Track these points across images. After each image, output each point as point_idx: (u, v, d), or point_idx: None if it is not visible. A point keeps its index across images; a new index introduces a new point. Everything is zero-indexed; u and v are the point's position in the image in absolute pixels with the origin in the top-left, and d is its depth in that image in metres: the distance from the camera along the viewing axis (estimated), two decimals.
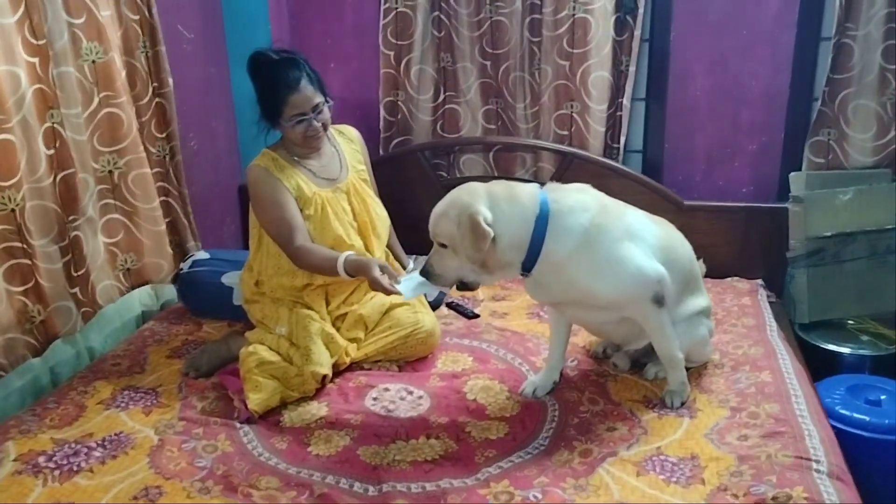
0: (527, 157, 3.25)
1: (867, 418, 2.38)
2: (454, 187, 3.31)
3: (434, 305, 2.75)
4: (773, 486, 1.75)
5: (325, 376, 2.28)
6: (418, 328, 2.44)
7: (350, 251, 2.30)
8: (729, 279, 2.95)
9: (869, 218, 2.82)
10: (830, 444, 1.91)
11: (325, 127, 2.41)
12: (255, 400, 2.15)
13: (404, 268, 2.80)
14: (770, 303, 2.83)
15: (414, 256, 3.00)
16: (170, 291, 3.02)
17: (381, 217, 2.61)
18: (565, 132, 3.14)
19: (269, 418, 2.17)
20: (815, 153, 2.91)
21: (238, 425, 2.12)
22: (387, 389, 2.28)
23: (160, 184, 2.81)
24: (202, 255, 2.87)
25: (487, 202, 2.01)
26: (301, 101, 2.32)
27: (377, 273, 2.17)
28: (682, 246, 2.26)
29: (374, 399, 2.24)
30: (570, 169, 3.09)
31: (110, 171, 2.56)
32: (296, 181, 2.41)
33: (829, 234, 2.83)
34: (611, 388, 2.26)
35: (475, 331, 2.68)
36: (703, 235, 3.00)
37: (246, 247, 3.38)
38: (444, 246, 2.05)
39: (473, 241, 1.96)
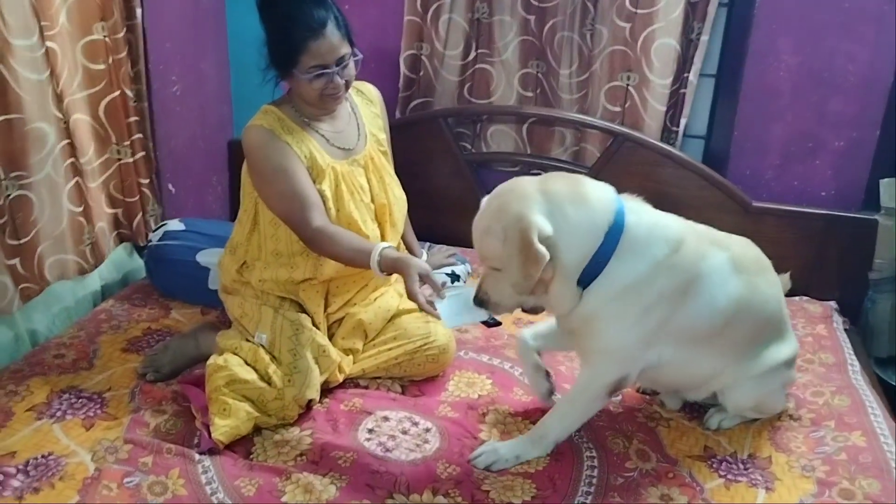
0: (567, 134, 2.77)
1: None
2: (479, 162, 2.92)
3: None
4: None
5: (310, 400, 1.84)
6: (429, 342, 1.99)
7: (386, 243, 1.85)
8: (797, 298, 2.49)
9: None
10: None
11: (347, 85, 1.93)
12: (222, 428, 1.72)
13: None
14: (845, 331, 2.38)
15: (427, 245, 2.54)
16: (133, 261, 2.56)
17: (399, 200, 2.14)
18: (617, 108, 2.65)
19: (236, 448, 1.74)
20: None
21: (197, 457, 1.69)
22: (386, 419, 1.84)
23: (137, 136, 2.36)
24: (176, 225, 2.42)
25: (545, 207, 1.55)
26: (325, 49, 1.83)
27: (416, 282, 1.72)
28: (764, 289, 1.78)
29: (370, 432, 1.80)
30: (619, 153, 2.60)
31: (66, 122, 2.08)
32: (308, 148, 1.94)
33: None
34: (664, 436, 1.83)
35: (496, 344, 2.23)
36: (770, 244, 2.48)
37: (233, 216, 2.95)
38: (495, 269, 1.61)
39: (522, 265, 1.52)
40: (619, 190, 2.59)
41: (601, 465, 1.72)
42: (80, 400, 1.87)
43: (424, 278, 1.74)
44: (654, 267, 1.59)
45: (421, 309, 1.74)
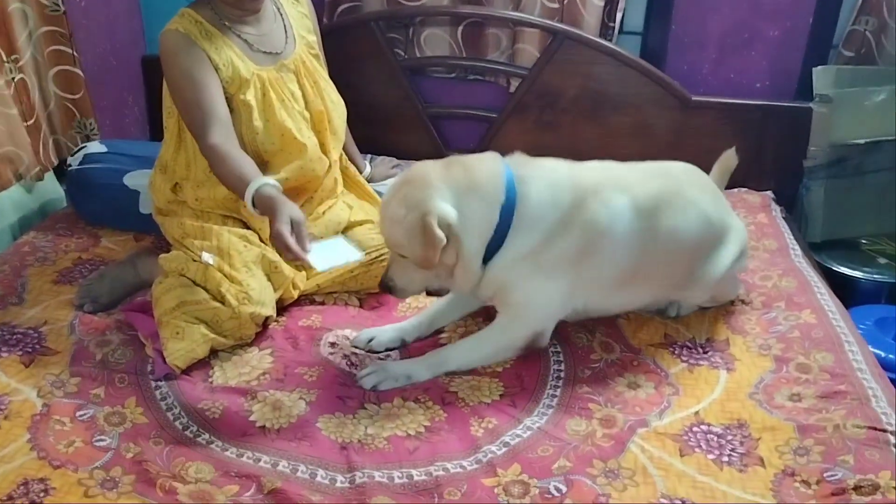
0: (503, 35, 2.67)
1: None
2: (414, 69, 2.81)
3: None
4: (851, 469, 1.40)
5: (267, 317, 1.76)
6: (384, 252, 1.93)
7: (269, 179, 1.71)
8: (737, 190, 2.52)
9: None
10: None
11: None
12: (177, 352, 1.63)
13: (360, 171, 2.25)
14: (783, 218, 2.45)
15: (369, 156, 2.45)
16: (52, 189, 2.38)
17: (337, 106, 2.04)
18: (556, 5, 2.57)
19: (193, 373, 1.66)
20: (847, 45, 2.46)
21: (153, 384, 1.61)
22: (346, 338, 1.78)
23: (53, 48, 2.16)
24: (96, 147, 2.24)
25: (447, 195, 1.57)
26: None
27: (284, 226, 1.59)
28: (674, 222, 1.72)
29: (332, 345, 1.75)
30: (559, 52, 2.54)
31: None
32: (228, 55, 1.81)
33: (856, 141, 2.43)
34: (625, 328, 1.84)
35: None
36: (709, 138, 2.57)
37: (153, 138, 2.77)
38: (402, 255, 1.63)
39: (423, 246, 1.55)
40: (559, 93, 2.58)
41: (567, 359, 1.73)
42: (15, 336, 1.74)
43: (296, 225, 1.62)
44: (547, 233, 1.62)
45: (287, 250, 1.60)
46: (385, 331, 1.77)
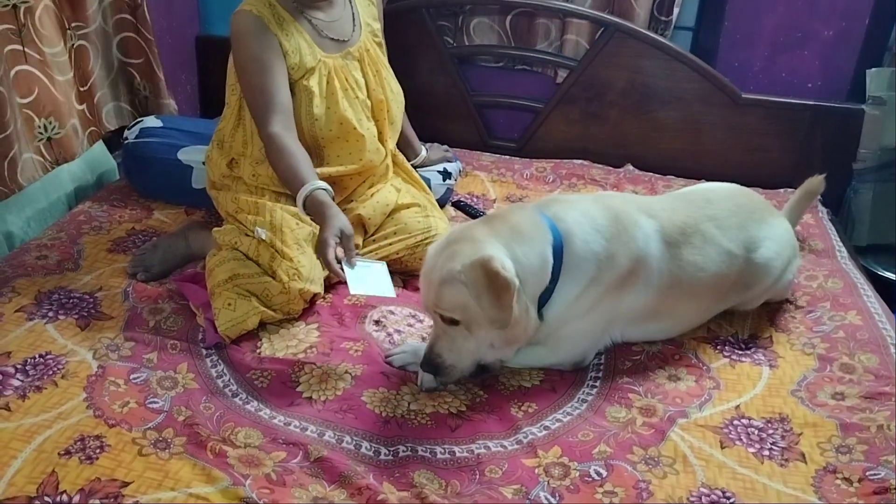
0: (552, 26, 2.68)
1: None
2: (462, 57, 2.82)
3: (440, 204, 2.24)
4: (893, 469, 1.39)
5: (315, 294, 1.80)
6: (430, 236, 1.95)
7: (323, 184, 1.72)
8: (783, 190, 2.51)
9: None
10: None
11: None
12: (228, 322, 1.67)
13: (416, 155, 2.28)
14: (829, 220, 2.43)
15: (429, 144, 2.46)
16: (106, 161, 2.44)
17: (396, 95, 2.06)
18: None
19: (242, 344, 1.69)
20: None
21: (204, 351, 1.65)
22: (392, 312, 1.81)
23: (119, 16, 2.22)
24: (152, 121, 2.29)
25: (497, 243, 1.49)
26: None
27: (332, 238, 1.60)
28: (692, 258, 1.68)
29: (377, 323, 1.78)
30: (608, 44, 2.54)
31: (14, 6, 1.91)
32: (297, 41, 1.85)
33: None
34: None
35: None
36: (757, 136, 2.57)
37: (204, 116, 2.81)
38: (454, 322, 1.49)
39: (495, 297, 1.43)
40: (607, 85, 2.55)
41: (607, 350, 1.74)
42: (72, 300, 1.79)
43: (343, 240, 1.62)
44: (598, 265, 1.57)
45: (326, 267, 1.64)
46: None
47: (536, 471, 1.39)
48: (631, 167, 2.63)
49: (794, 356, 1.73)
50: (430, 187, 2.20)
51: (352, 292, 1.67)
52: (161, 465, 1.35)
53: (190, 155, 2.19)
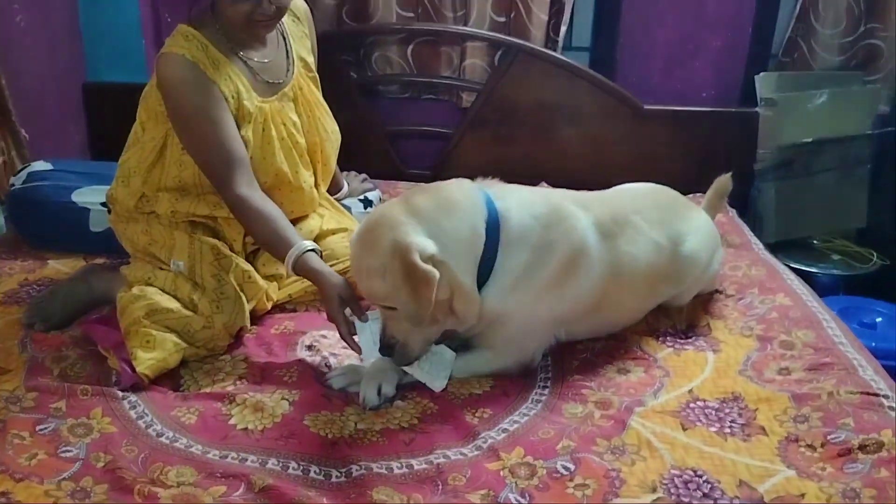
0: (453, 52, 2.69)
1: (869, 343, 2.10)
2: (367, 89, 2.79)
3: None
4: (853, 430, 1.38)
5: (241, 328, 1.67)
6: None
7: (310, 244, 1.62)
8: (690, 195, 2.56)
9: (842, 124, 2.54)
10: (884, 376, 1.57)
11: (279, 12, 1.68)
12: (147, 360, 1.52)
13: (339, 190, 2.18)
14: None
15: (345, 173, 2.37)
16: None
17: (331, 135, 1.94)
18: (503, 18, 2.61)
19: (161, 383, 1.54)
20: (784, 51, 2.58)
21: (120, 394, 1.48)
22: (324, 336, 1.71)
23: None
24: (41, 164, 2.13)
25: (419, 227, 1.42)
26: None
27: (337, 311, 1.53)
28: (626, 248, 1.66)
29: (309, 348, 1.66)
30: (512, 66, 2.57)
31: None
32: (236, 86, 1.70)
33: (802, 141, 2.52)
34: None
35: None
36: (662, 146, 2.64)
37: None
38: (391, 308, 1.44)
39: (413, 293, 1.37)
40: (514, 107, 2.55)
41: (552, 351, 1.68)
42: None
43: (347, 300, 1.54)
44: (535, 249, 1.52)
45: (343, 338, 1.55)
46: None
47: (502, 473, 1.30)
48: (545, 185, 2.63)
49: (734, 339, 1.73)
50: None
51: (371, 359, 1.53)
52: None
53: (86, 196, 2.03)
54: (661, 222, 1.75)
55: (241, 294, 1.69)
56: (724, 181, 2.12)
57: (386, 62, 2.72)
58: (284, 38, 1.85)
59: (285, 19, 1.81)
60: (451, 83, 2.66)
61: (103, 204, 1.89)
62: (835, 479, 1.27)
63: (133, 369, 1.51)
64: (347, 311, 1.55)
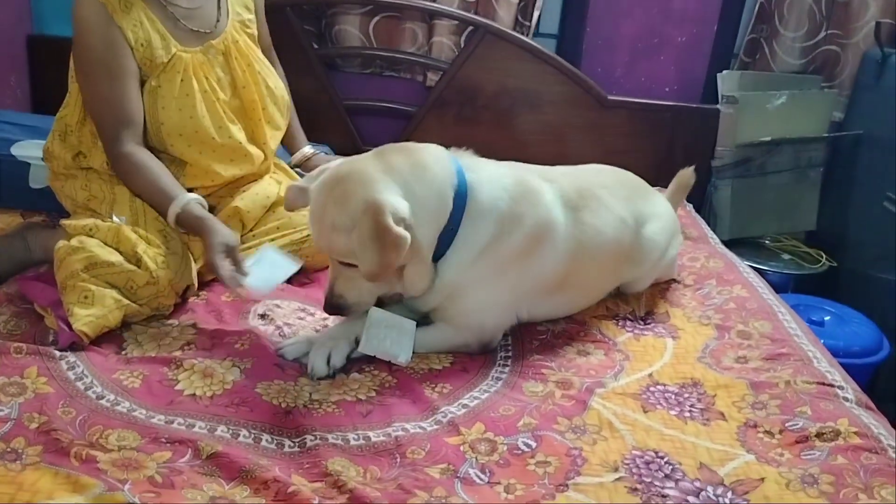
0: (418, 29, 2.64)
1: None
2: (328, 61, 2.71)
3: None
4: (810, 418, 1.39)
5: (187, 288, 1.58)
6: None
7: (194, 196, 1.59)
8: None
9: (799, 125, 2.57)
10: (838, 368, 1.59)
11: None
12: (85, 317, 1.42)
13: (298, 150, 2.09)
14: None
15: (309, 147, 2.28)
16: None
17: (274, 92, 1.86)
18: None
19: (103, 345, 1.46)
20: (744, 52, 2.60)
21: (57, 353, 1.39)
22: (278, 305, 1.64)
23: None
24: None
25: (393, 186, 1.38)
26: None
27: (219, 257, 1.48)
28: (591, 220, 1.64)
29: (262, 317, 1.60)
30: (479, 47, 2.53)
31: None
32: (148, 32, 1.62)
33: (760, 140, 2.55)
34: None
35: None
36: (623, 138, 2.63)
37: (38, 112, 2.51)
38: (348, 265, 1.41)
39: (380, 254, 1.32)
40: (478, 89, 2.49)
41: (513, 331, 1.65)
42: None
43: (229, 253, 1.50)
44: (499, 225, 1.49)
45: (224, 283, 1.50)
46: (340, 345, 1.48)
47: (462, 448, 1.26)
48: None
49: (692, 327, 1.73)
50: None
51: (261, 295, 1.52)
52: (13, 478, 1.09)
53: (26, 150, 1.92)
54: (626, 199, 1.75)
55: (188, 253, 1.61)
56: (686, 174, 2.13)
57: (348, 37, 2.65)
58: None
59: None
60: (414, 60, 2.61)
61: (43, 159, 1.78)
62: (793, 465, 1.27)
63: (71, 328, 1.41)
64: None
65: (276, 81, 1.88)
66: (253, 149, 1.80)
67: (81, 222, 1.57)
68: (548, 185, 1.60)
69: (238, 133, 1.76)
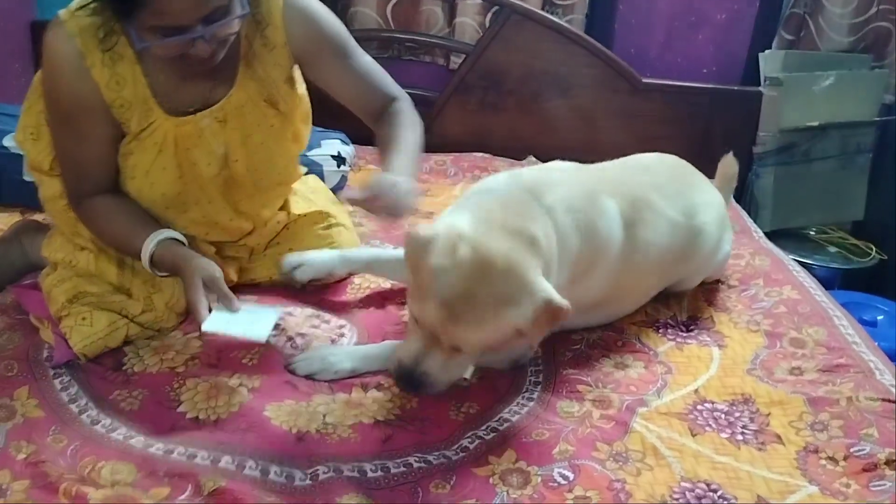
0: (437, 9, 2.50)
1: None
2: None
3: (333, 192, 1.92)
4: (877, 442, 1.25)
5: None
6: (333, 246, 1.64)
7: (167, 232, 1.39)
8: None
9: (847, 108, 2.41)
10: None
11: (221, 46, 1.29)
12: (85, 339, 1.31)
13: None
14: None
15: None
16: None
17: (267, 166, 1.51)
18: None
19: (102, 360, 1.35)
20: (787, 29, 2.43)
21: (51, 371, 1.28)
22: (290, 314, 1.52)
23: None
24: None
25: (538, 267, 1.23)
26: (178, 6, 1.18)
27: (196, 292, 1.29)
28: (645, 235, 1.50)
29: (274, 327, 1.46)
30: (504, 27, 2.38)
31: None
32: (128, 94, 1.34)
33: (807, 125, 2.38)
34: None
35: (396, 232, 1.95)
36: (657, 124, 2.48)
37: None
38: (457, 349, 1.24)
39: (542, 332, 1.25)
40: (504, 72, 2.27)
41: (545, 341, 1.52)
42: None
43: (210, 284, 1.32)
44: (575, 259, 1.37)
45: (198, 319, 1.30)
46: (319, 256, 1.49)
47: (491, 480, 1.13)
48: (533, 159, 2.47)
49: (740, 335, 1.59)
50: (322, 176, 1.92)
51: (207, 329, 1.29)
52: None
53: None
54: (677, 194, 1.60)
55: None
56: (729, 163, 1.97)
57: (363, 20, 2.52)
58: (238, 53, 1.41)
59: (254, 43, 1.42)
60: (434, 43, 2.47)
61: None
62: (861, 497, 1.14)
63: (68, 344, 1.30)
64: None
65: (281, 152, 1.54)
66: (238, 223, 1.56)
67: (60, 252, 1.44)
68: (610, 204, 1.45)
69: (219, 214, 1.51)
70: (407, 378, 1.26)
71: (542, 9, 2.44)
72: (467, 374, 1.35)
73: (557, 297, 1.20)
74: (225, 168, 1.46)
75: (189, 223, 1.48)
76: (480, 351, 1.26)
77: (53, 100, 1.36)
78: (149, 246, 1.35)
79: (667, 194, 1.57)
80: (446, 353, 1.24)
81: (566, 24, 2.39)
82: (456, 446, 1.20)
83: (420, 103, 2.49)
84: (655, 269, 1.56)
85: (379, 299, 1.63)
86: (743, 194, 2.50)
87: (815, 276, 2.30)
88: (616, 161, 1.69)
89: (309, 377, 1.34)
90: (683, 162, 1.77)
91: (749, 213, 2.46)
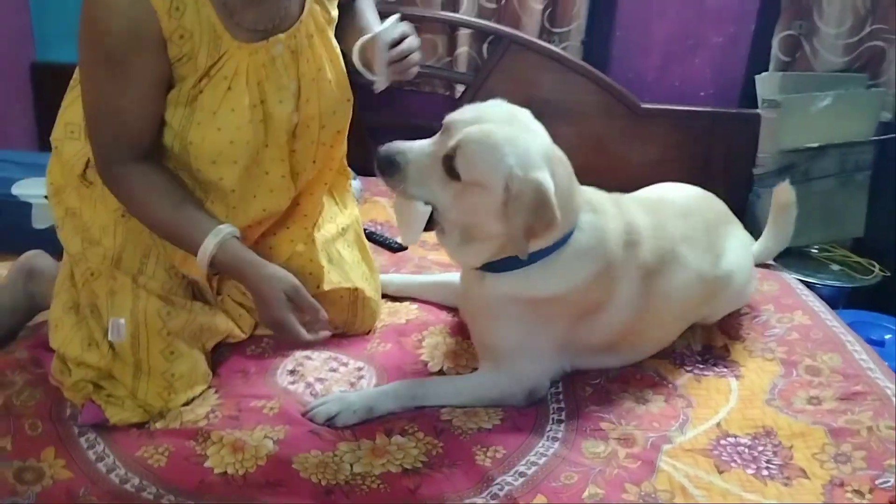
0: (438, 40, 2.51)
1: None
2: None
3: None
4: None
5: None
6: (355, 292, 1.58)
7: (230, 230, 1.28)
8: None
9: (845, 127, 2.43)
10: None
11: None
12: (115, 416, 1.30)
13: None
14: None
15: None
16: None
17: (336, 106, 1.42)
18: (492, 5, 2.43)
19: None
20: (783, 50, 2.45)
21: (76, 430, 1.28)
22: (308, 358, 1.52)
23: None
24: None
25: (548, 165, 1.35)
26: None
27: (283, 309, 1.24)
28: (679, 276, 1.53)
29: (292, 373, 1.47)
30: (504, 58, 2.40)
31: None
32: (191, 19, 1.21)
33: (806, 146, 2.40)
34: None
35: (404, 271, 1.93)
36: (659, 147, 2.49)
37: (46, 150, 2.40)
38: (455, 177, 1.31)
39: (531, 223, 1.29)
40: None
41: (562, 378, 1.53)
42: None
43: (293, 296, 1.25)
44: (580, 283, 1.41)
45: (295, 341, 1.29)
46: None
47: None
48: None
49: (756, 364, 1.60)
50: None
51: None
52: None
53: (28, 189, 1.81)
54: (708, 246, 1.62)
55: (198, 353, 1.41)
56: (784, 189, 1.92)
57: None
58: None
59: None
60: (433, 74, 2.48)
61: (47, 197, 1.62)
62: None
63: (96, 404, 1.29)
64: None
65: (343, 92, 1.43)
66: (287, 182, 1.42)
67: (70, 345, 1.33)
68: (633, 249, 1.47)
69: (284, 168, 1.39)
70: (386, 152, 1.34)
71: (539, 36, 2.46)
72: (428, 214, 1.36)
73: (549, 184, 1.28)
74: (295, 111, 1.36)
75: (239, 200, 1.35)
76: (465, 178, 1.30)
77: (98, 36, 1.20)
78: (209, 245, 1.24)
79: (697, 246, 1.58)
80: (435, 163, 1.32)
81: (564, 53, 2.41)
82: (486, 493, 1.21)
83: (421, 133, 2.53)
84: (671, 321, 1.58)
85: (394, 336, 1.63)
86: (744, 215, 2.52)
87: (820, 295, 2.34)
88: (656, 194, 1.71)
89: (329, 423, 1.33)
90: (717, 202, 1.78)
91: (751, 234, 2.48)
